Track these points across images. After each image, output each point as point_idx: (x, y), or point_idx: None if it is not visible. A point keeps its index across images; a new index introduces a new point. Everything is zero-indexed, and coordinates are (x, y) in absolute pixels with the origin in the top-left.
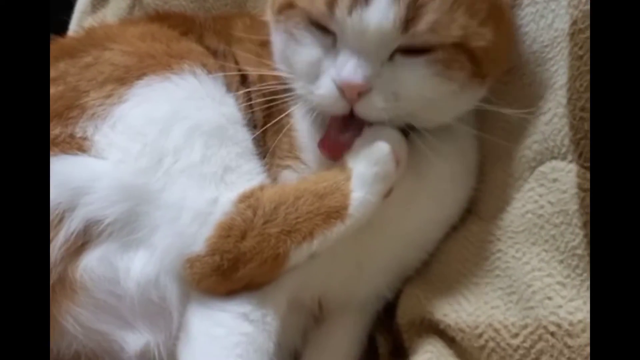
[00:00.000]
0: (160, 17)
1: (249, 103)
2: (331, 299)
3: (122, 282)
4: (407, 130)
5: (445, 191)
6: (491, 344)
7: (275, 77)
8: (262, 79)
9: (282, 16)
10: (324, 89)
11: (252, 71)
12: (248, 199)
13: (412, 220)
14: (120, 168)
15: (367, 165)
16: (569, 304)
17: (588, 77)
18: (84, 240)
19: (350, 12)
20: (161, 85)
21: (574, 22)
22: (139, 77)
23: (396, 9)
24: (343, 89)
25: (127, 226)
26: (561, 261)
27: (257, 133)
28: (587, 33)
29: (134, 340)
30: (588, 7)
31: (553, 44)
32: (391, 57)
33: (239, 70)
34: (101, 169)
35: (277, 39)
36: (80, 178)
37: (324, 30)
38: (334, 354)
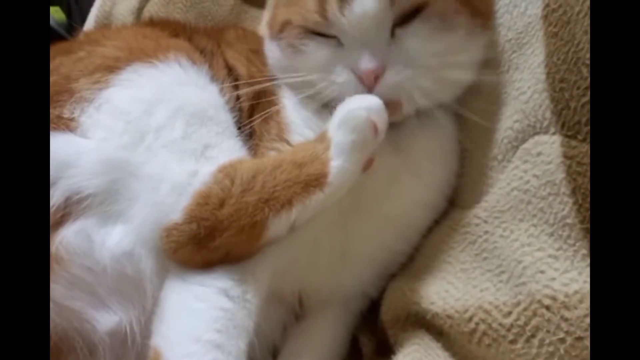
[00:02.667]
0: (153, 22)
1: (237, 93)
2: (312, 293)
3: (97, 256)
4: None
5: (428, 171)
6: (482, 327)
7: (265, 74)
8: (251, 76)
9: (283, 33)
10: (342, 77)
11: (240, 67)
12: (226, 169)
13: (396, 202)
14: (103, 144)
15: (345, 134)
16: (564, 275)
17: (565, 49)
18: (63, 213)
19: (342, 13)
20: (147, 71)
21: (547, 5)
22: (127, 65)
23: None
24: (362, 77)
25: (107, 199)
26: (551, 234)
27: (245, 123)
28: (560, 11)
29: (106, 319)
30: None
31: (527, 29)
32: (392, 34)
33: (227, 66)
34: (85, 145)
35: (276, 54)
36: (64, 153)
37: (324, 35)
38: (314, 351)
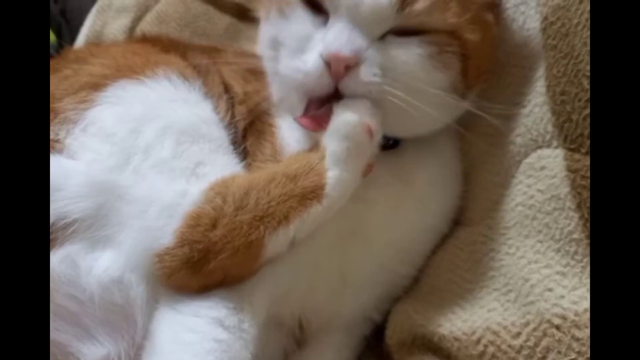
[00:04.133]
0: (144, 39)
1: (231, 111)
2: (313, 318)
3: (83, 283)
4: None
5: (430, 196)
6: (491, 349)
7: (261, 94)
8: (247, 94)
9: None
10: (311, 63)
11: (236, 85)
12: (218, 186)
13: (398, 227)
14: (91, 167)
15: (338, 141)
16: (572, 293)
17: (564, 62)
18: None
19: None
20: (134, 88)
21: (545, 18)
22: (113, 82)
23: None
24: (330, 62)
25: (95, 224)
26: (558, 250)
27: (240, 142)
28: (559, 24)
29: (92, 352)
30: (557, 2)
31: (526, 43)
32: (383, 36)
33: (223, 83)
34: (72, 167)
35: (265, 32)
36: (51, 176)
37: (315, 8)
38: None
